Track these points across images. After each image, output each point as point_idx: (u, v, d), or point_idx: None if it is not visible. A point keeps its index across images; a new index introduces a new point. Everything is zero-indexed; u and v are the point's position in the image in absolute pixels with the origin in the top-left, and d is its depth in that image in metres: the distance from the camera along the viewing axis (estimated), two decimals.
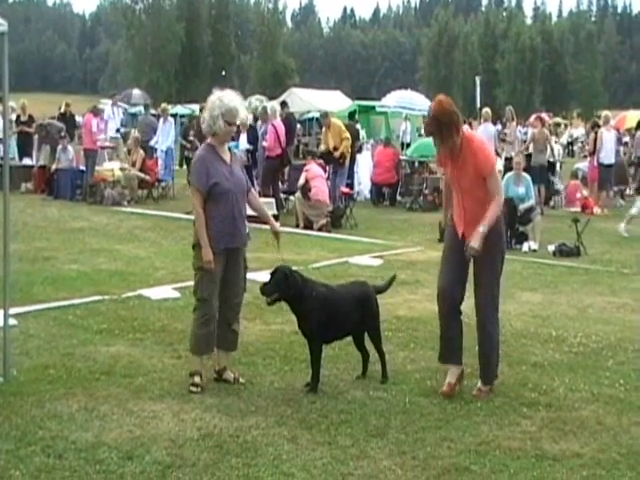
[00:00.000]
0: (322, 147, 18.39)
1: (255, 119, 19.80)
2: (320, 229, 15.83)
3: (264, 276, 6.87)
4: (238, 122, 6.61)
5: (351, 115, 23.36)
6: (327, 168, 17.94)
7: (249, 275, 6.65)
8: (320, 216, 16.16)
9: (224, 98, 6.42)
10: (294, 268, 6.50)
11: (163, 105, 23.50)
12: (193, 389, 6.31)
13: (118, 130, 24.36)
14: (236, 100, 6.48)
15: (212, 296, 6.41)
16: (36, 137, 23.04)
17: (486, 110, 21.00)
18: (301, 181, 16.51)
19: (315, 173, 16.49)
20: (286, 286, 6.25)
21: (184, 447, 5.22)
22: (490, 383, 6.47)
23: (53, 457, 5.02)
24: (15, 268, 7.99)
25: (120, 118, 26.22)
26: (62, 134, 21.53)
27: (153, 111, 29.68)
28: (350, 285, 7.01)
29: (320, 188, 16.34)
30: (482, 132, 20.28)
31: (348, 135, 18.17)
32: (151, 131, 22.00)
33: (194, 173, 6.45)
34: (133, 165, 19.93)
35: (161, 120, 21.98)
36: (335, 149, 17.88)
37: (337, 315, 6.41)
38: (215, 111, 6.39)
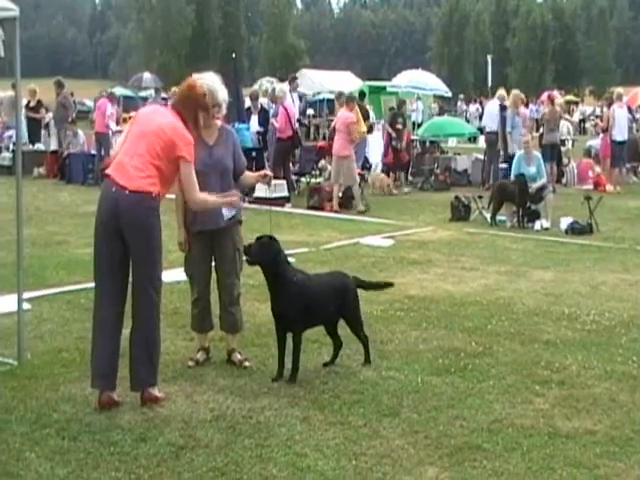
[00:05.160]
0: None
1: (273, 101, 19.60)
2: (332, 208, 15.42)
3: None
4: (215, 104, 6.18)
5: (360, 96, 23.16)
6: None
7: None
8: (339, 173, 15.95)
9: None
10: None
11: (174, 89, 23.27)
12: (189, 363, 6.43)
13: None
14: (211, 84, 6.17)
15: (196, 275, 6.56)
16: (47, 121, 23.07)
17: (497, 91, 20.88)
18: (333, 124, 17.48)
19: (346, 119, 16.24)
20: (269, 250, 6.16)
21: (197, 428, 5.24)
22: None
23: (68, 439, 5.06)
24: (28, 253, 8.01)
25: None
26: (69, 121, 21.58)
27: (164, 94, 29.53)
28: (328, 275, 6.93)
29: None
30: (490, 109, 20.27)
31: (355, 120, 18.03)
32: None
33: None
34: None
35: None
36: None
37: (315, 304, 6.28)
38: None
